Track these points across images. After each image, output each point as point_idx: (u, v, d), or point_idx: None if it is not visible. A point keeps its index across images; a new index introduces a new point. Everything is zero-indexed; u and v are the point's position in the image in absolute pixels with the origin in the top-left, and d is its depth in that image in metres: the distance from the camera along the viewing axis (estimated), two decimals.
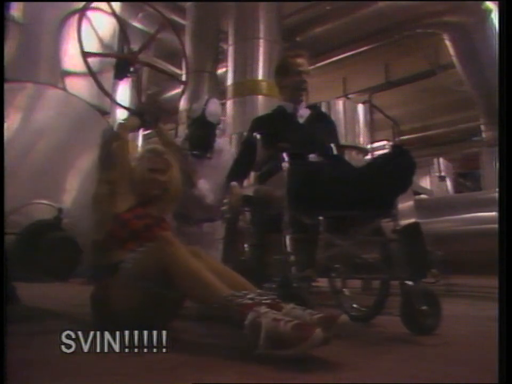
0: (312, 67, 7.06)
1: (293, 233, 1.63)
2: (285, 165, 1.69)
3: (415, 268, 1.67)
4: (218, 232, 2.53)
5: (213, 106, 2.55)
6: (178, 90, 4.78)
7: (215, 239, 2.48)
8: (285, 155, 1.70)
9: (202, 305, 1.41)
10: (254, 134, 2.10)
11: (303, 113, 2.20)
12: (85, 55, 2.14)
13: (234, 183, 2.06)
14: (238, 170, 2.18)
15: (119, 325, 1.53)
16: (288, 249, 1.61)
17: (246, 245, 2.00)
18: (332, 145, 2.11)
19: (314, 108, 2.33)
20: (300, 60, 2.16)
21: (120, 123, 2.19)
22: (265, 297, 1.33)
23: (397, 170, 1.67)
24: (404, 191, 1.74)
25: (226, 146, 2.81)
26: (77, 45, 2.14)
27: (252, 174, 2.37)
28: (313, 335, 1.12)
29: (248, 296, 1.30)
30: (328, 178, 1.65)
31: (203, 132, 2.51)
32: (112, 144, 2.01)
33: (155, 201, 1.92)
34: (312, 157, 1.92)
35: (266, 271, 1.87)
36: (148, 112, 2.32)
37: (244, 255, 2.10)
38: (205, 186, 2.45)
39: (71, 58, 2.20)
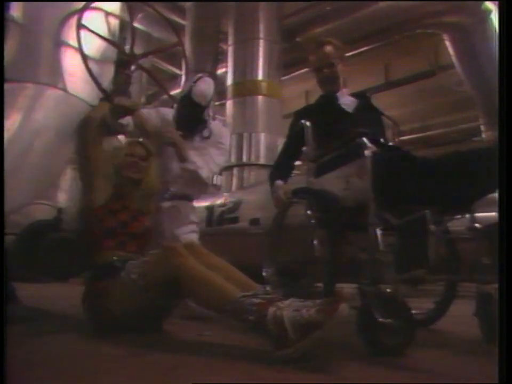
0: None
1: (384, 228, 1.43)
2: (368, 152, 1.51)
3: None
4: (194, 214, 2.39)
5: (203, 85, 2.31)
6: (178, 90, 4.77)
7: (191, 221, 2.34)
8: (366, 140, 1.53)
9: (215, 310, 1.38)
10: (303, 122, 1.98)
11: (347, 101, 2.10)
12: (84, 56, 2.14)
13: (279, 182, 2.03)
14: (285, 163, 2.12)
15: (118, 326, 1.53)
16: (381, 246, 1.40)
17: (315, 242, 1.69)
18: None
19: (360, 96, 2.21)
20: (328, 49, 2.11)
21: (90, 111, 2.10)
22: (270, 295, 1.34)
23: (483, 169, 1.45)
24: (488, 193, 1.51)
25: (222, 128, 2.61)
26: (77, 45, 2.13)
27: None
28: (339, 309, 1.16)
29: (259, 295, 1.31)
30: (413, 169, 1.51)
31: (188, 113, 2.31)
32: (85, 133, 1.95)
33: (131, 194, 1.88)
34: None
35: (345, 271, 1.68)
36: (118, 95, 2.14)
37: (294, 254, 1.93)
38: (198, 161, 2.27)
39: (71, 59, 2.20)
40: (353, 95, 2.18)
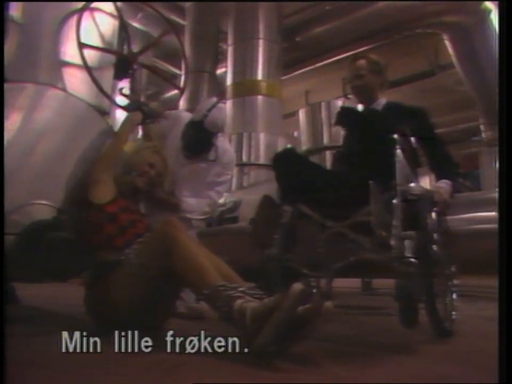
0: (312, 67, 7.08)
1: None
2: None
3: None
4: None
5: (217, 114, 2.28)
6: (177, 90, 4.77)
7: (192, 225, 2.32)
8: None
9: (193, 291, 1.43)
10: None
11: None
12: (84, 55, 2.13)
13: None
14: None
15: (120, 323, 1.53)
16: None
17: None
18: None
19: (387, 104, 2.21)
20: (359, 62, 2.12)
21: (126, 117, 2.13)
22: (254, 292, 1.34)
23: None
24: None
25: (228, 148, 2.57)
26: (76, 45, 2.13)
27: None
28: (293, 287, 1.17)
29: (239, 289, 1.32)
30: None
31: (198, 138, 2.30)
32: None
33: (134, 198, 1.89)
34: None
35: None
36: (147, 106, 2.20)
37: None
38: (190, 202, 2.26)
39: (71, 58, 2.20)
40: (387, 103, 2.19)
